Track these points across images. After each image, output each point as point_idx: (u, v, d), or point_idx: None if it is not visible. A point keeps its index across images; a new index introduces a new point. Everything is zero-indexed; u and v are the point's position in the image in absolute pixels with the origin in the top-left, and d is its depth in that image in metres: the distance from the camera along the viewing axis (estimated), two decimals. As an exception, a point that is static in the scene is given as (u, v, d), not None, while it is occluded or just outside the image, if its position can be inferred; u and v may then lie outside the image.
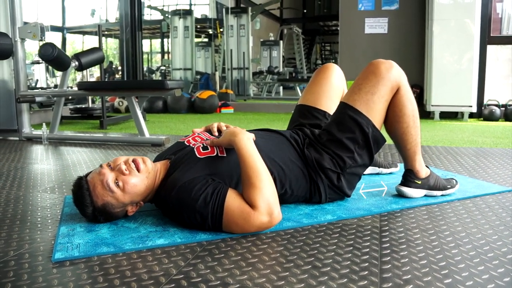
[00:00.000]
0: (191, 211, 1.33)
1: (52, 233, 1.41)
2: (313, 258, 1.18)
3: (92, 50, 4.24)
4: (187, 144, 1.53)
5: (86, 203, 1.37)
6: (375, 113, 1.60)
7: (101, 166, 1.41)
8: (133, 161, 1.42)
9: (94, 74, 11.51)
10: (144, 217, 1.51)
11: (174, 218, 1.43)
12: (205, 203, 1.31)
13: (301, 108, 1.89)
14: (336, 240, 1.31)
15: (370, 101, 1.59)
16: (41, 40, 3.70)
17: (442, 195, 1.78)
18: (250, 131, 1.64)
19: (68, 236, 1.34)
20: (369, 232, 1.38)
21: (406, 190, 1.75)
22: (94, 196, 1.37)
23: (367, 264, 1.14)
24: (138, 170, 1.40)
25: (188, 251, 1.23)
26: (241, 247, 1.26)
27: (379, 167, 2.16)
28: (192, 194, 1.32)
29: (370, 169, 2.14)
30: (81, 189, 1.38)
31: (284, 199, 1.58)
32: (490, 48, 5.54)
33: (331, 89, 1.87)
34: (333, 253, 1.21)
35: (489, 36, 5.51)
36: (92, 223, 1.45)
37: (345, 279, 1.06)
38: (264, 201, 1.32)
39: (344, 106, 1.63)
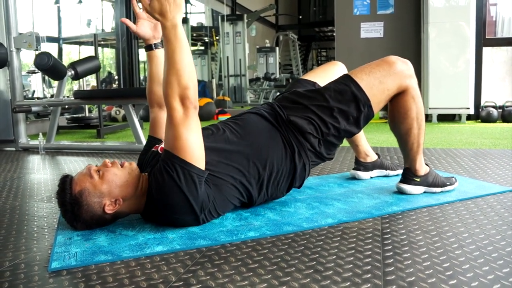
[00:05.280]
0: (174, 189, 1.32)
1: (48, 242, 1.39)
2: (314, 262, 1.16)
3: (88, 59, 4.23)
4: (161, 152, 1.52)
5: (65, 188, 1.36)
6: (375, 100, 1.60)
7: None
8: (121, 163, 1.46)
9: (90, 83, 11.50)
10: (142, 224, 1.49)
11: (169, 219, 1.42)
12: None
13: (297, 79, 1.93)
14: (337, 244, 1.29)
15: (374, 88, 1.60)
16: (36, 49, 3.68)
17: (441, 192, 1.81)
18: (224, 121, 1.64)
19: (65, 245, 1.32)
20: (370, 235, 1.36)
21: (405, 187, 1.79)
22: (73, 183, 1.38)
23: (370, 267, 1.12)
24: (122, 166, 1.44)
25: (187, 258, 1.21)
26: (241, 252, 1.24)
27: (386, 169, 2.15)
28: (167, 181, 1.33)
29: (377, 172, 2.13)
30: (64, 178, 1.40)
31: (271, 181, 1.54)
32: (486, 50, 5.56)
33: (331, 77, 1.85)
34: (335, 257, 1.19)
35: (484, 38, 5.53)
36: (69, 223, 1.42)
37: (348, 283, 1.04)
38: (174, 97, 1.30)
39: (349, 79, 1.61)
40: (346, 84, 1.60)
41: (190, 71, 1.32)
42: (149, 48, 1.67)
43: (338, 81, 1.65)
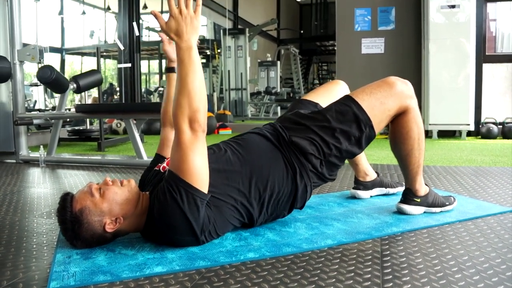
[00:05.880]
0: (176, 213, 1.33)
1: (47, 260, 1.39)
2: (314, 286, 1.15)
3: (90, 73, 4.26)
4: (163, 171, 1.52)
5: (65, 206, 1.36)
6: (376, 121, 1.61)
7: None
8: (120, 181, 1.46)
9: (92, 94, 11.54)
10: (142, 243, 1.48)
11: (170, 239, 1.42)
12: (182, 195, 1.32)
13: (299, 100, 1.94)
14: (337, 266, 1.29)
15: (376, 108, 1.61)
16: (39, 62, 3.70)
17: (441, 212, 1.82)
18: (226, 141, 1.65)
19: (64, 264, 1.31)
20: (370, 257, 1.36)
21: (405, 207, 1.80)
22: (74, 201, 1.38)
23: (369, 291, 1.12)
24: (121, 184, 1.44)
25: (186, 279, 1.21)
26: (241, 274, 1.24)
27: (386, 187, 2.15)
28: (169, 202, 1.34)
29: (377, 190, 2.14)
30: (65, 196, 1.40)
31: (272, 201, 1.54)
32: (486, 66, 5.59)
33: (333, 97, 1.86)
34: (334, 280, 1.19)
35: (484, 55, 5.56)
36: (69, 241, 1.42)
37: (347, 308, 1.03)
38: (184, 120, 1.31)
39: (350, 100, 1.62)
40: (347, 104, 1.61)
41: (201, 93, 1.33)
42: (170, 70, 1.73)
43: (339, 101, 1.66)
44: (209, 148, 1.53)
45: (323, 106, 1.79)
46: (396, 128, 1.70)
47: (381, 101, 1.61)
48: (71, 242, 1.43)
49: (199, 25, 1.33)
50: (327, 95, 1.88)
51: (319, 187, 1.82)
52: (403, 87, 1.64)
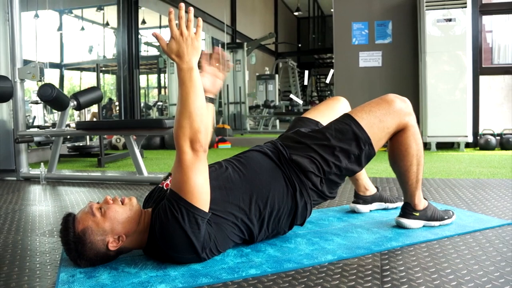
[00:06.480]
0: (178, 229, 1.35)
1: (51, 280, 1.40)
2: (315, 302, 1.17)
3: (91, 90, 4.29)
4: (166, 188, 1.55)
5: (68, 227, 1.38)
6: (375, 138, 1.64)
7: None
8: (121, 200, 1.47)
9: (91, 110, 11.57)
10: (144, 261, 1.50)
11: (171, 256, 1.44)
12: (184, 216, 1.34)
13: (300, 118, 1.96)
14: (337, 282, 1.30)
15: (375, 126, 1.63)
16: (40, 80, 3.74)
17: (440, 225, 1.84)
18: (228, 159, 1.67)
19: (68, 283, 1.33)
20: (370, 272, 1.38)
21: (405, 221, 1.82)
22: (76, 222, 1.40)
23: (369, 306, 1.13)
24: (122, 203, 1.46)
25: (189, 297, 1.22)
26: (242, 291, 1.25)
27: (385, 202, 2.17)
28: (171, 218, 1.36)
29: (376, 205, 2.15)
30: (67, 217, 1.42)
31: (272, 218, 1.56)
32: (483, 78, 5.64)
33: (334, 114, 1.89)
34: (335, 296, 1.20)
35: (481, 67, 5.62)
36: (73, 261, 1.44)
37: (348, 324, 1.05)
38: (185, 140, 1.34)
39: (350, 118, 1.65)
40: (346, 123, 1.64)
41: (202, 114, 1.36)
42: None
43: (339, 120, 1.68)
44: (211, 166, 1.56)
45: (324, 123, 1.82)
46: (395, 145, 1.73)
47: (380, 119, 1.64)
48: (74, 262, 1.44)
49: (199, 46, 1.36)
50: (328, 112, 1.91)
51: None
52: (402, 105, 1.67)
